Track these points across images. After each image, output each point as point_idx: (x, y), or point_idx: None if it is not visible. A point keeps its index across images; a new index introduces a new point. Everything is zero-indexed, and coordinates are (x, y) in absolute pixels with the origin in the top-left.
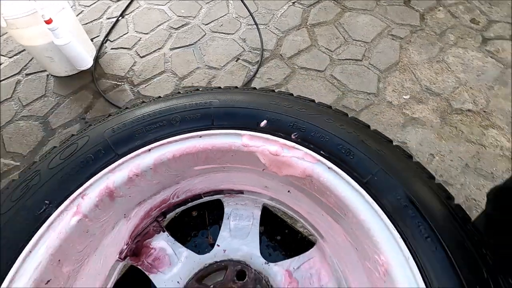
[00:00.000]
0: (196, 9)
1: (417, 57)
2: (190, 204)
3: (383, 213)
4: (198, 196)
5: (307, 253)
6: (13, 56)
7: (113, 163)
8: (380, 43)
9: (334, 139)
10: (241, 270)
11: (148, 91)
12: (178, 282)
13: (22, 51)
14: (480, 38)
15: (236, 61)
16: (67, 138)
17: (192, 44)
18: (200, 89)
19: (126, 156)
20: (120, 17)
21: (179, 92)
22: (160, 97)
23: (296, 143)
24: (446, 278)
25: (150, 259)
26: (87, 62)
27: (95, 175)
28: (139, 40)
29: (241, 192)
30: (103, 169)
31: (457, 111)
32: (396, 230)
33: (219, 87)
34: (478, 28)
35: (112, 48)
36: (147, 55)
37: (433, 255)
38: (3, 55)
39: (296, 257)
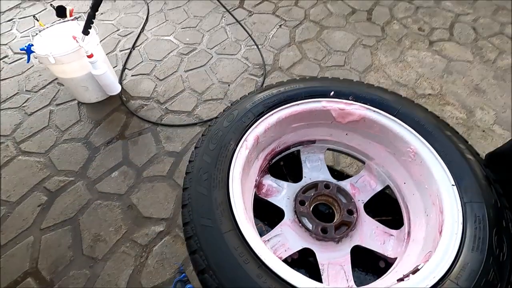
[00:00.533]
0: (199, 36)
1: (385, 60)
2: (284, 153)
3: (408, 125)
4: (288, 148)
5: (359, 173)
6: (39, 91)
7: (255, 122)
8: (355, 51)
9: (373, 96)
10: (326, 184)
11: (175, 107)
12: (288, 198)
13: (47, 85)
14: (427, 41)
15: (280, 26)
16: (225, 110)
17: (203, 65)
18: (292, 80)
19: (261, 118)
20: (132, 49)
21: (277, 84)
22: (271, 85)
23: (353, 101)
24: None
25: (264, 190)
26: (117, 88)
27: (249, 128)
28: (155, 67)
29: (313, 142)
30: (252, 125)
31: (421, 96)
32: (416, 131)
33: (304, 77)
34: (425, 34)
35: (132, 75)
36: (165, 78)
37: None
38: (27, 90)
39: (353, 176)
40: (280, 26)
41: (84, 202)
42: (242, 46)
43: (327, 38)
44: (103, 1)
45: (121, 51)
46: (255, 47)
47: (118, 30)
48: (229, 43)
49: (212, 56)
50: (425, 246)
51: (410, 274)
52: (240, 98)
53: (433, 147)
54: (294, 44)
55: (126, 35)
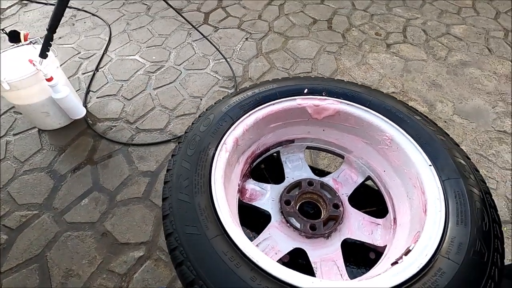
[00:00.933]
0: (166, 54)
1: (349, 64)
2: (264, 155)
3: (381, 114)
4: (267, 149)
5: (340, 168)
6: None
7: (233, 125)
8: (321, 58)
9: (345, 90)
10: (310, 181)
11: (146, 125)
12: (272, 200)
13: (2, 115)
14: (385, 44)
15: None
16: (200, 116)
17: (173, 82)
18: (266, 81)
19: (239, 120)
20: (96, 71)
21: (251, 87)
22: (245, 87)
23: (327, 97)
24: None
25: (248, 195)
26: (82, 111)
27: (227, 131)
28: (121, 87)
29: (292, 141)
30: (230, 128)
31: None
32: (389, 119)
33: (276, 79)
34: (382, 38)
35: (98, 97)
36: (134, 97)
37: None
38: None
39: (335, 172)
40: (246, 39)
41: (52, 236)
42: (210, 60)
43: (293, 47)
44: (60, 25)
45: (83, 73)
46: (224, 60)
47: (79, 53)
48: (197, 58)
49: (181, 72)
50: (412, 228)
51: (403, 256)
52: (215, 103)
53: (406, 132)
54: (262, 55)
55: (88, 57)
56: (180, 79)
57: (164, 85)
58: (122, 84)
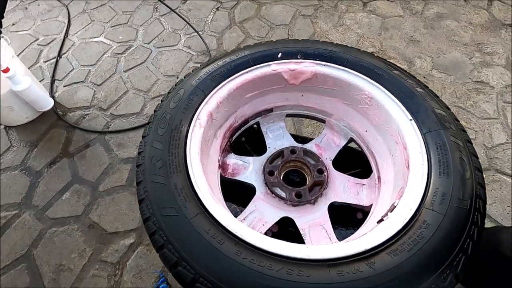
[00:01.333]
0: (133, 32)
1: (325, 26)
2: (243, 128)
3: (359, 73)
4: (246, 121)
5: (322, 133)
6: None
7: (205, 98)
8: (297, 23)
9: (321, 51)
10: (292, 149)
11: (120, 110)
12: (256, 172)
13: None
14: (361, 3)
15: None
16: (170, 92)
17: (144, 62)
18: (237, 49)
19: (211, 93)
20: (59, 57)
21: (221, 56)
22: (216, 57)
23: (302, 59)
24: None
25: (230, 170)
26: (49, 101)
27: (199, 106)
28: (89, 72)
29: (271, 110)
30: (202, 102)
31: None
32: (368, 77)
33: (248, 45)
34: None
35: (65, 86)
36: (104, 82)
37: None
38: None
39: (317, 137)
40: (217, 9)
41: (36, 234)
42: (181, 35)
43: (267, 14)
44: (11, 10)
45: (45, 61)
46: (196, 34)
47: (37, 39)
48: (167, 34)
49: (152, 51)
50: (396, 184)
51: (388, 213)
52: (184, 77)
53: (385, 88)
54: (235, 25)
55: (48, 43)
56: (151, 58)
57: (135, 66)
58: (90, 69)
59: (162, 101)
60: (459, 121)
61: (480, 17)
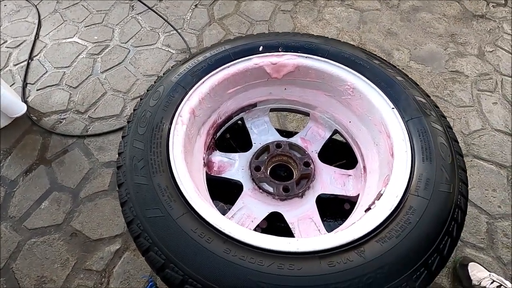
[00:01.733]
0: (109, 32)
1: (305, 21)
2: (227, 124)
3: (341, 64)
4: (230, 117)
5: (306, 126)
6: None
7: (186, 94)
8: (277, 18)
9: (302, 43)
10: (277, 143)
11: (99, 113)
12: (242, 169)
13: None
14: None
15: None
16: (149, 89)
17: (121, 62)
18: (217, 43)
19: (192, 89)
20: (30, 60)
21: (201, 51)
22: (195, 52)
23: (284, 52)
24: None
25: (216, 168)
26: (21, 107)
27: (181, 103)
28: (64, 74)
29: (255, 105)
30: (183, 99)
31: None
32: (349, 67)
33: (229, 39)
34: None
35: (38, 89)
36: (80, 84)
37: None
38: None
39: (302, 131)
40: (196, 6)
41: (14, 246)
42: (160, 33)
43: (247, 10)
44: None
45: (15, 65)
46: (175, 32)
47: (5, 41)
48: (144, 33)
49: (130, 51)
50: (381, 172)
51: (375, 201)
52: (164, 73)
53: (367, 78)
54: (215, 22)
55: (18, 46)
56: (129, 58)
57: (113, 67)
58: (64, 71)
59: (141, 99)
60: (438, 108)
61: (452, 9)
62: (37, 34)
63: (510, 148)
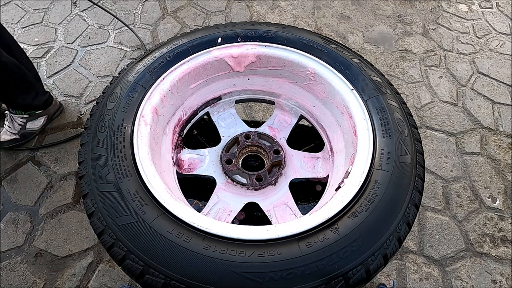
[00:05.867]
0: (51, 33)
1: (261, 9)
2: (193, 120)
3: (300, 50)
4: (195, 113)
5: (272, 114)
6: None
7: (146, 94)
8: (233, 8)
9: (260, 32)
10: (246, 134)
11: (52, 122)
12: (213, 163)
13: None
14: None
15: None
16: (104, 91)
17: (70, 65)
18: (173, 37)
19: (152, 87)
20: None
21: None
22: (151, 49)
23: (243, 42)
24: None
25: (186, 166)
26: None
27: (141, 102)
28: None
29: (219, 98)
30: (144, 98)
31: None
32: (308, 53)
33: (185, 32)
34: None
35: None
36: None
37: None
38: None
39: (268, 119)
40: None
41: None
42: (110, 31)
43: (201, 1)
44: None
45: None
46: (126, 28)
47: None
48: (92, 31)
49: (78, 51)
50: (347, 152)
51: (344, 180)
52: (119, 73)
53: (326, 62)
54: (169, 15)
55: None
56: (78, 60)
57: (61, 70)
58: None
59: (97, 102)
60: (393, 85)
61: None
62: None
63: (456, 116)
